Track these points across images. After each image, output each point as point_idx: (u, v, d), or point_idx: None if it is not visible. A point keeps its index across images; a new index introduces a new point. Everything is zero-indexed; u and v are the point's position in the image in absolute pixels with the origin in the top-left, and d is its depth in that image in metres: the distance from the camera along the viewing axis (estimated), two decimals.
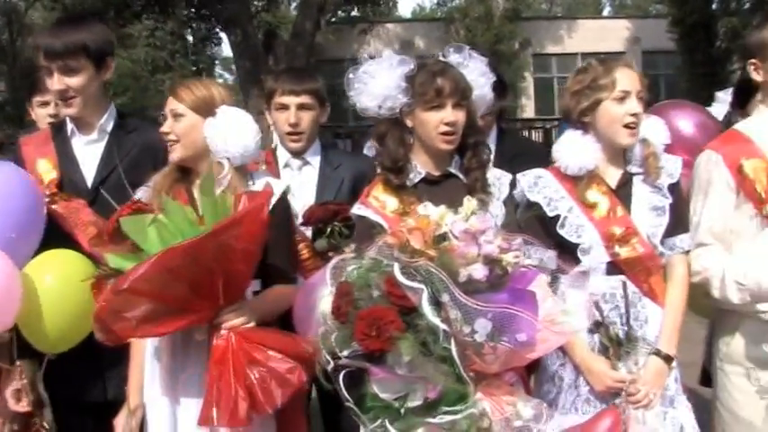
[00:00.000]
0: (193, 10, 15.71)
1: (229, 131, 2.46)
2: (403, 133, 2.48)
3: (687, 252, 2.65)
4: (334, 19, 25.86)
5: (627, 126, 2.51)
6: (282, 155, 3.24)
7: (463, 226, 1.91)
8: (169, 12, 15.39)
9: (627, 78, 2.52)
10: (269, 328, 2.41)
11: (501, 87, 3.17)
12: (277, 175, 3.11)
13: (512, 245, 1.95)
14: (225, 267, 2.24)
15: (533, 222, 2.57)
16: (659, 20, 26.33)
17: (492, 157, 3.08)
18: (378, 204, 2.46)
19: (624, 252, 2.52)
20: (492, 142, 3.22)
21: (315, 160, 3.22)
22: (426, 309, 1.83)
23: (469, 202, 2.04)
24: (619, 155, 2.62)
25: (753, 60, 2.63)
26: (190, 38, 22.18)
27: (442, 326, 1.83)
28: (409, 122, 2.47)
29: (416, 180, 2.49)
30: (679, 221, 2.63)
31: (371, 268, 2.01)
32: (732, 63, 24.26)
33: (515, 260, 1.94)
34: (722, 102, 3.53)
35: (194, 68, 26.16)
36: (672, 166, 2.64)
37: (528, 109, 27.80)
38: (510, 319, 1.84)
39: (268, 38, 17.52)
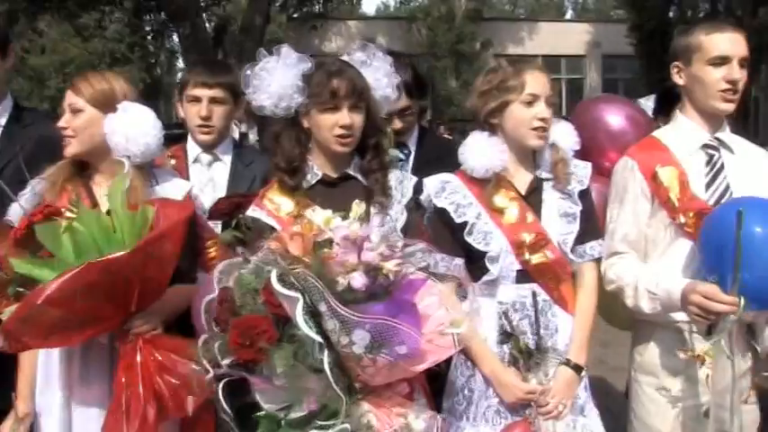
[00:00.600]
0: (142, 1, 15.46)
1: (130, 129, 2.38)
2: (299, 133, 2.37)
3: (597, 260, 2.60)
4: (295, 15, 25.67)
5: (536, 129, 2.46)
6: (193, 149, 3.11)
7: (344, 232, 1.82)
8: (117, 2, 15.09)
9: (536, 82, 2.46)
10: (177, 335, 2.36)
11: (421, 87, 3.10)
12: (185, 171, 3.02)
13: (395, 252, 1.87)
14: (143, 279, 2.21)
15: (441, 229, 2.51)
16: (619, 25, 26.66)
17: (412, 159, 3.03)
18: (272, 207, 2.35)
19: (535, 259, 2.47)
20: (412, 144, 3.12)
21: (226, 157, 3.11)
22: (299, 318, 1.74)
23: (358, 206, 1.96)
24: (528, 159, 2.56)
25: (676, 63, 2.59)
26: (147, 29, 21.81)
27: (316, 337, 1.75)
28: (306, 123, 2.36)
29: (313, 182, 2.39)
30: (589, 229, 2.58)
31: (256, 274, 1.92)
32: None
33: (397, 268, 1.85)
34: (645, 108, 3.51)
35: (153, 61, 25.81)
36: (581, 173, 2.59)
37: None
38: (390, 330, 1.76)
39: (218, 32, 17.29)
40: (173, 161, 2.97)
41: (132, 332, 2.27)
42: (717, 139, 2.57)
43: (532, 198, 2.54)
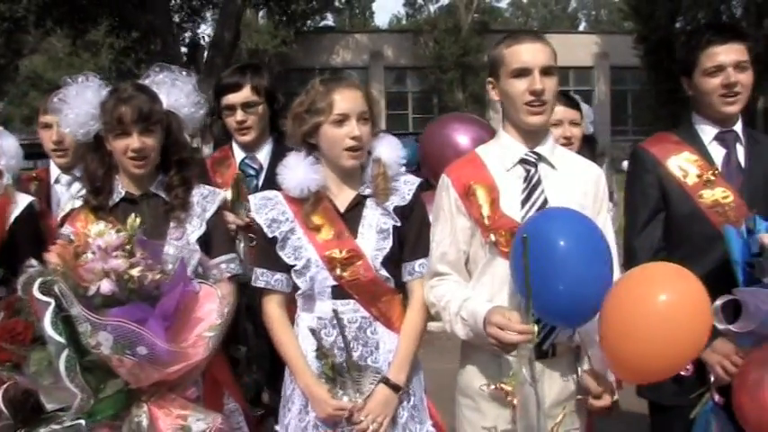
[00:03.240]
0: (117, 19, 15.83)
1: (16, 149, 2.94)
2: (103, 156, 2.55)
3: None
4: (304, 28, 26.02)
5: (349, 149, 2.48)
6: (54, 170, 3.35)
7: (100, 242, 1.98)
8: (91, 21, 15.50)
9: (345, 100, 2.48)
10: None
11: (273, 98, 3.19)
12: (49, 190, 3.23)
13: (146, 260, 2.02)
14: None
15: (264, 244, 2.57)
16: (627, 36, 26.58)
17: (264, 174, 3.14)
18: (80, 224, 2.48)
19: (348, 275, 2.48)
20: (264, 158, 3.17)
21: None
22: (47, 322, 1.90)
23: (132, 221, 2.11)
24: (353, 176, 2.58)
25: (489, 79, 2.56)
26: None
27: (58, 338, 1.90)
28: (108, 146, 2.53)
29: (117, 200, 2.56)
30: (416, 245, 2.58)
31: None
32: None
33: (139, 273, 2.00)
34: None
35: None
36: (405, 188, 2.59)
37: (496, 122, 27.89)
38: (129, 333, 1.91)
39: (192, 49, 17.59)
40: (35, 183, 3.18)
41: None
42: (535, 153, 2.49)
43: (352, 214, 2.55)
